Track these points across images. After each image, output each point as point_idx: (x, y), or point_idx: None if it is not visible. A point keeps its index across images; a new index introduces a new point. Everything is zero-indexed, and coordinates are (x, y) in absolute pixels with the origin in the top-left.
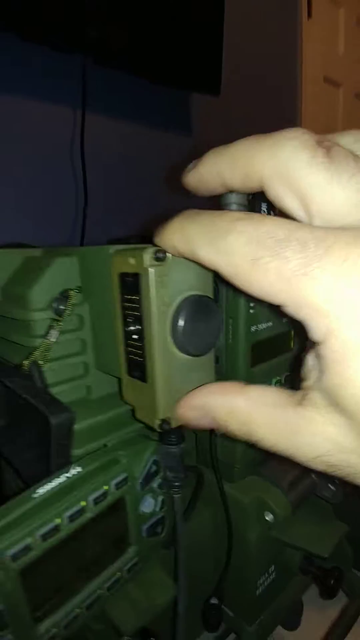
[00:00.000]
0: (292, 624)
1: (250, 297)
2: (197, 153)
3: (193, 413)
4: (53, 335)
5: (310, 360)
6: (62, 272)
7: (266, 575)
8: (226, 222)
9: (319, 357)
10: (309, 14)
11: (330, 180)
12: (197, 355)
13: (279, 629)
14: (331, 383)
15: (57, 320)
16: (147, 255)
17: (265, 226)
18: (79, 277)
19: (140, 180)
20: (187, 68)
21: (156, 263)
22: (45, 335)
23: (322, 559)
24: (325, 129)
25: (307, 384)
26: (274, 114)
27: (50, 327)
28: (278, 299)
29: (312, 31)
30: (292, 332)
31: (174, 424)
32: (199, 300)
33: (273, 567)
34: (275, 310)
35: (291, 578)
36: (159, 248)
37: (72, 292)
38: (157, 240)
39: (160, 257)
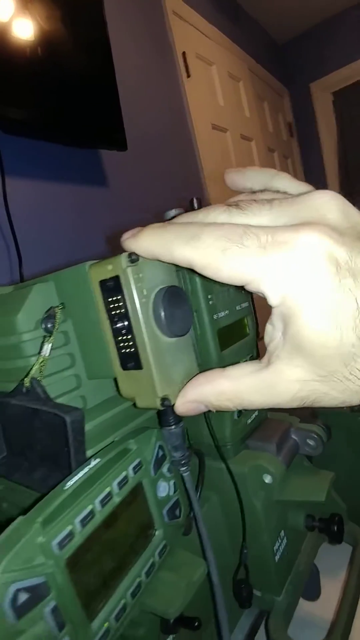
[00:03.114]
0: (313, 593)
1: (212, 282)
2: (113, 201)
3: (191, 405)
4: (47, 350)
5: (269, 327)
6: (42, 296)
7: (279, 540)
8: (196, 227)
9: (279, 318)
10: (188, 74)
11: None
12: (180, 336)
13: (303, 603)
14: (291, 333)
15: (49, 336)
16: (124, 259)
17: (225, 227)
18: (57, 298)
19: (67, 231)
20: (94, 132)
21: (131, 264)
22: (38, 353)
23: (321, 504)
24: (220, 167)
25: (270, 346)
26: (176, 158)
27: (42, 343)
28: (243, 279)
29: (194, 88)
30: (246, 320)
31: (173, 401)
32: (171, 290)
33: (283, 533)
34: (240, 291)
35: (302, 541)
36: (130, 252)
37: (57, 309)
38: (132, 246)
39: (134, 259)
